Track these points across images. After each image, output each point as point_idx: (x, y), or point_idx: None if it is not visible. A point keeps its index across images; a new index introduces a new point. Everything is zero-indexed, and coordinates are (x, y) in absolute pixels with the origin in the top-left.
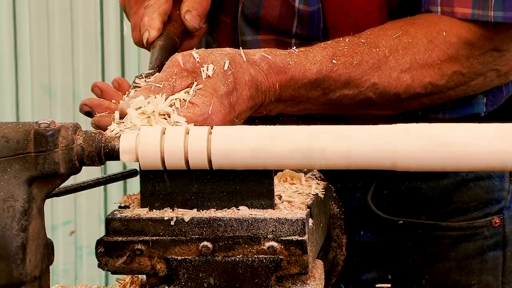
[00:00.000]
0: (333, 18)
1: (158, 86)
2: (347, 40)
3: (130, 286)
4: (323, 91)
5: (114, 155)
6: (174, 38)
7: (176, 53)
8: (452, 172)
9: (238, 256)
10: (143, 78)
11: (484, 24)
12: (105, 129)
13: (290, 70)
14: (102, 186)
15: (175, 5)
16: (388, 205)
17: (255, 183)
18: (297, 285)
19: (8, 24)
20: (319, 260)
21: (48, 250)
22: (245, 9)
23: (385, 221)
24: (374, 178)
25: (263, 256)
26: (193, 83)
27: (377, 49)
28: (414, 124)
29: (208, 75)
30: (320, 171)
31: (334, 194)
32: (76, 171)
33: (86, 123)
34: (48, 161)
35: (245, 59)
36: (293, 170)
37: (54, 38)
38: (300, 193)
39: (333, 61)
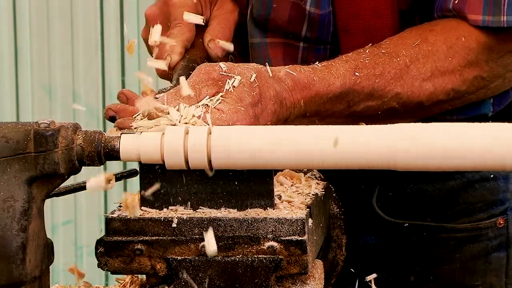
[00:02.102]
0: (344, 21)
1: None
2: (367, 51)
3: (130, 286)
4: (347, 104)
5: (114, 155)
6: (197, 60)
7: (204, 63)
8: (458, 174)
9: (238, 256)
10: (165, 90)
11: (499, 28)
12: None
13: (315, 86)
14: None
15: (198, 33)
16: (393, 207)
17: (255, 183)
18: (297, 285)
19: (8, 24)
20: (319, 260)
21: (48, 250)
22: (254, 11)
23: (389, 224)
24: (378, 180)
25: (263, 256)
26: (219, 92)
27: (398, 59)
28: (413, 124)
29: (234, 85)
30: (323, 172)
31: (334, 194)
32: (76, 171)
33: (86, 123)
34: (48, 161)
35: (271, 75)
36: (293, 170)
37: (54, 38)
38: (300, 193)
39: (356, 73)
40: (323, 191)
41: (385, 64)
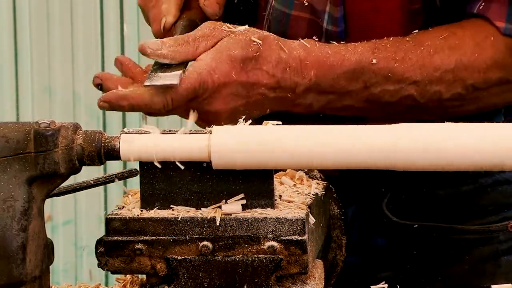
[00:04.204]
0: (355, 35)
1: (184, 42)
2: (391, 39)
3: (130, 286)
4: (364, 84)
5: (114, 155)
6: (194, 20)
7: (209, 21)
8: (471, 179)
9: (238, 256)
10: None
11: None
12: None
13: (329, 59)
14: (102, 186)
15: None
16: (403, 209)
17: (255, 183)
18: (297, 285)
19: (8, 24)
20: (319, 260)
21: (48, 250)
22: (272, 28)
23: (399, 226)
24: (391, 184)
25: (263, 256)
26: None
27: (422, 48)
28: (413, 124)
29: (230, 38)
30: (337, 176)
31: (334, 195)
32: (76, 171)
33: (86, 123)
34: (48, 161)
35: (278, 42)
36: (293, 169)
37: (54, 38)
38: (300, 193)
39: (374, 53)
40: (323, 191)
41: (408, 51)
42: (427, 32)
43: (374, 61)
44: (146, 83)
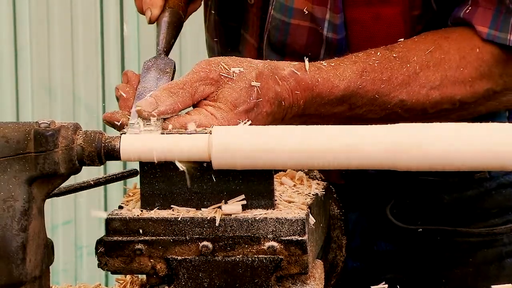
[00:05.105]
0: (357, 43)
1: (179, 89)
2: (378, 53)
3: (130, 286)
4: (349, 106)
5: (114, 155)
6: (178, 13)
7: (205, 59)
8: (476, 183)
9: (238, 256)
10: (151, 62)
11: (504, 45)
12: (114, 125)
13: (318, 87)
14: (102, 186)
15: None
16: (408, 215)
17: (255, 183)
18: (297, 285)
19: (8, 24)
20: (319, 260)
21: (48, 250)
22: (272, 37)
23: (403, 230)
24: (395, 190)
25: (263, 256)
26: (215, 92)
27: (408, 65)
28: (414, 124)
29: (232, 89)
30: (346, 181)
31: (334, 195)
32: (76, 171)
33: (86, 123)
34: (48, 161)
35: (273, 75)
36: (293, 169)
37: (54, 38)
38: (300, 193)
39: (362, 77)
40: (323, 192)
41: (394, 70)
42: (414, 44)
43: (362, 85)
44: (130, 132)
